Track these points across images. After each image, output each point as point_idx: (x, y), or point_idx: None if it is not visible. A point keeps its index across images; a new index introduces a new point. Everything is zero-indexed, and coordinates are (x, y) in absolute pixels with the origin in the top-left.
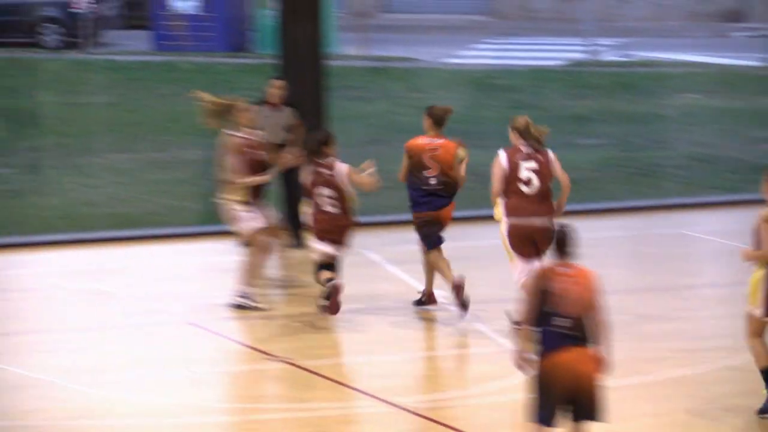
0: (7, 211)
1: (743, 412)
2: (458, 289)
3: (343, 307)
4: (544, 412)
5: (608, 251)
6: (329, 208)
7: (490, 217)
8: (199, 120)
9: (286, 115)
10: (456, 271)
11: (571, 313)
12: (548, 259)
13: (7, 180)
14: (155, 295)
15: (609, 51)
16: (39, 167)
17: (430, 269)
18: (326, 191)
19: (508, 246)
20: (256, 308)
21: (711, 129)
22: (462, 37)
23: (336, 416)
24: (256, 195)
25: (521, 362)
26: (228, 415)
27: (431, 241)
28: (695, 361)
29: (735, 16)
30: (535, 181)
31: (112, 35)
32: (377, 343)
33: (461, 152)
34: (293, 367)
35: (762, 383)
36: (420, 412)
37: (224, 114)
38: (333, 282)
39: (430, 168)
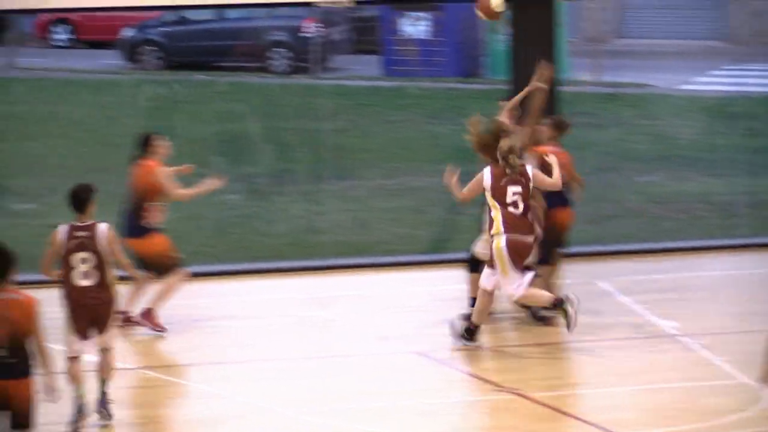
0: (234, 237)
1: None
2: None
3: (574, 337)
4: None
5: None
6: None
7: (720, 248)
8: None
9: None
10: (677, 301)
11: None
12: None
13: (235, 206)
14: (383, 323)
15: None
16: (266, 193)
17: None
18: None
19: (506, 259)
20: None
21: None
22: (697, 63)
23: None
24: None
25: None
26: None
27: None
28: None
29: None
30: (520, 203)
31: (340, 60)
32: (608, 374)
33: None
34: (522, 398)
35: None
36: None
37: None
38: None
39: None
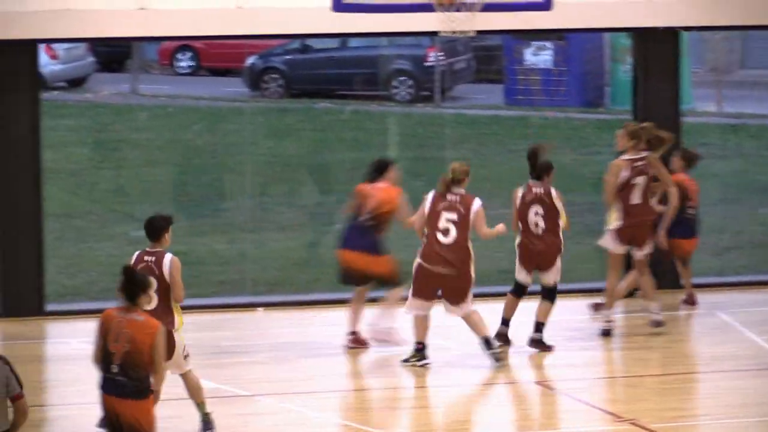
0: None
1: None
2: None
3: (693, 368)
4: None
5: None
6: None
7: None
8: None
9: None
10: None
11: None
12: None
13: None
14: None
15: None
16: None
17: None
18: None
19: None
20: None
21: None
22: None
23: None
24: None
25: None
26: None
27: None
28: None
29: None
30: (453, 232)
31: (463, 89)
32: (727, 405)
33: None
34: (640, 429)
35: None
36: None
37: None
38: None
39: None
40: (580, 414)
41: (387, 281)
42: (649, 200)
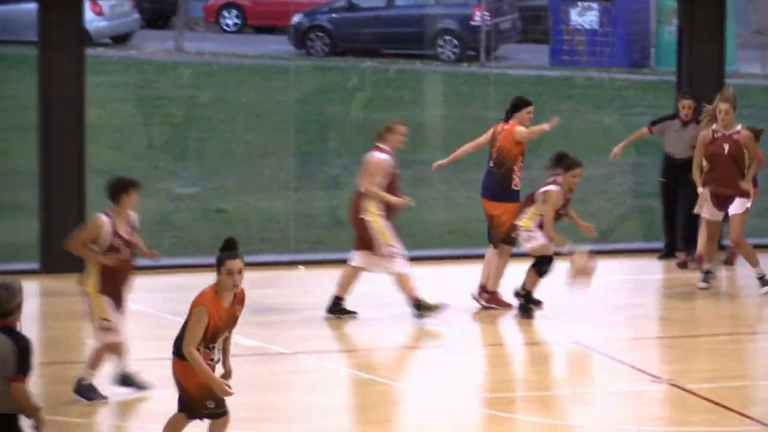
0: (400, 224)
1: None
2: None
3: (735, 330)
4: None
5: None
6: None
7: None
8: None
9: (693, 133)
10: None
11: None
12: None
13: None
14: (540, 312)
15: None
16: (429, 180)
17: None
18: None
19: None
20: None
21: None
22: None
23: None
24: None
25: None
26: None
27: None
28: None
29: None
30: None
31: (507, 49)
32: (766, 368)
33: None
34: (679, 390)
35: None
36: None
37: None
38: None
39: None
40: (618, 374)
41: (499, 234)
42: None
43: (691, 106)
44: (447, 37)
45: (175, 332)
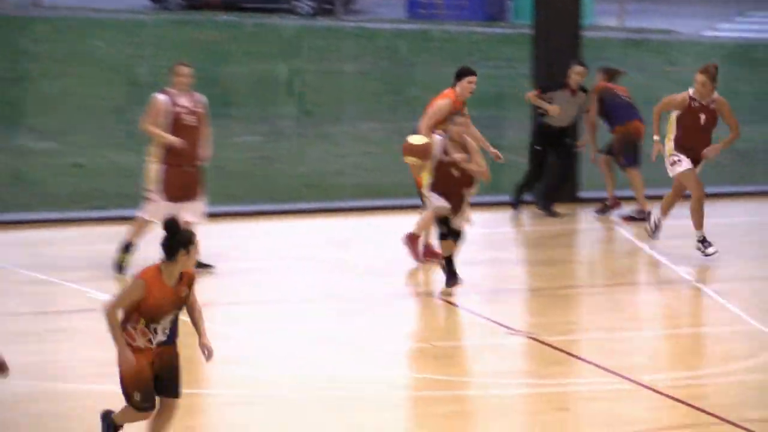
0: (256, 178)
1: None
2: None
3: (588, 282)
4: None
5: None
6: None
7: (738, 194)
8: None
9: (581, 100)
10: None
11: None
12: None
13: (257, 147)
14: (399, 266)
15: None
16: (288, 135)
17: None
18: None
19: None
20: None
21: None
22: (722, 9)
23: (578, 393)
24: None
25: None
26: (470, 389)
27: None
28: None
29: None
30: None
31: (365, 2)
32: (622, 319)
33: None
34: (535, 342)
35: None
36: (663, 391)
37: None
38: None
39: None
40: (474, 327)
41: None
42: None
43: (583, 74)
44: None
45: (33, 287)
